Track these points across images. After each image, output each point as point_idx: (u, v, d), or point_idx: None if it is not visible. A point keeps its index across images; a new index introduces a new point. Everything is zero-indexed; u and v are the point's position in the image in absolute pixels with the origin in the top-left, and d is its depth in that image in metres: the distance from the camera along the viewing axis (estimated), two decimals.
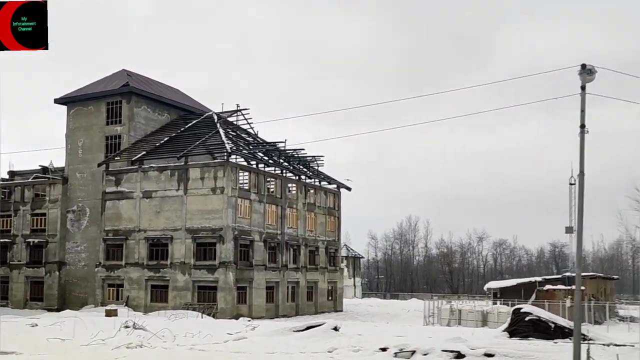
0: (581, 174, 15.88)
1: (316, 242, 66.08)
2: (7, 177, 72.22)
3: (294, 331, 25.14)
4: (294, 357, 19.64)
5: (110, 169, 59.52)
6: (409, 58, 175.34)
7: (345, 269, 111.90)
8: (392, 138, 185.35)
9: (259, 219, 57.26)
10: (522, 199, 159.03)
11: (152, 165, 57.43)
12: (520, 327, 23.50)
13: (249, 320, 42.49)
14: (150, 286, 56.38)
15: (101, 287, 58.35)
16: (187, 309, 51.27)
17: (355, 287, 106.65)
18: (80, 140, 63.40)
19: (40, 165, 68.37)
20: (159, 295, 55.71)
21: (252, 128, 66.34)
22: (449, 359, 18.68)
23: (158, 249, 56.42)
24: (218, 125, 60.55)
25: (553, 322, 24.42)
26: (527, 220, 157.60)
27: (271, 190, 60.11)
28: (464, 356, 18.80)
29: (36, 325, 33.94)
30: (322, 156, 67.09)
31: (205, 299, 53.51)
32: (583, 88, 16.39)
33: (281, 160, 63.32)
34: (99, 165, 60.01)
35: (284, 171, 62.22)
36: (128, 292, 56.81)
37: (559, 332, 23.29)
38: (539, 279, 58.74)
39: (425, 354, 19.24)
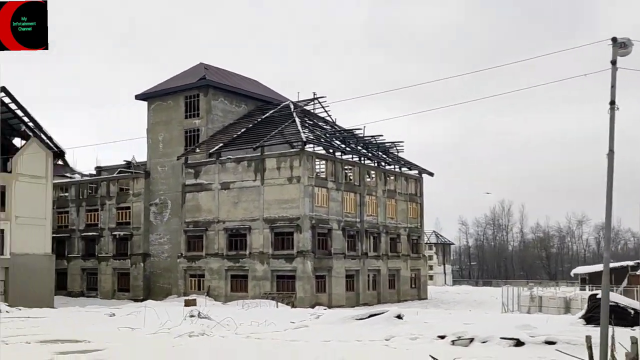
0: (610, 152, 14.64)
1: (397, 230, 64.93)
2: (94, 172, 75.10)
3: (356, 319, 24.47)
4: (347, 345, 18.93)
5: (189, 162, 60.46)
6: (497, 36, 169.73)
7: (435, 256, 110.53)
8: (478, 121, 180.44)
9: (336, 207, 56.73)
10: (626, 182, 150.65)
11: (229, 157, 57.93)
12: (597, 314, 21.67)
13: (324, 309, 42.09)
14: (230, 276, 56.97)
15: (183, 277, 59.45)
16: (266, 298, 51.48)
17: (445, 275, 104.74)
18: (160, 135, 64.72)
19: (124, 161, 70.39)
20: (239, 285, 56.24)
21: (329, 116, 65.94)
22: (507, 346, 17.79)
23: (237, 239, 56.89)
24: (294, 114, 60.33)
25: (633, 309, 22.81)
26: (632, 202, 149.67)
27: (349, 178, 59.40)
28: (523, 344, 17.95)
29: (114, 315, 34.74)
30: (401, 142, 65.98)
31: (284, 288, 53.58)
32: (613, 63, 15.06)
33: (359, 148, 62.48)
34: (177, 158, 61.07)
35: (362, 158, 61.33)
36: (209, 282, 57.61)
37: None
38: (631, 263, 55.44)
39: (483, 342, 18.37)
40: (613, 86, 15.16)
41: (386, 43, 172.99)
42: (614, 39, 15.23)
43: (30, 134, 55.02)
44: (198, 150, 60.80)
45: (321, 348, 18.48)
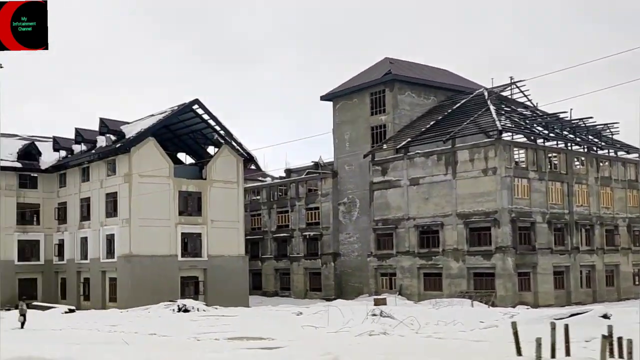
0: None
1: (615, 220, 58.55)
2: (284, 175, 76.33)
3: (555, 319, 21.60)
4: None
5: (376, 159, 58.91)
6: None
7: None
8: None
9: (540, 199, 52.19)
10: None
11: (417, 151, 55.59)
12: None
13: (527, 308, 38.61)
14: (423, 274, 54.57)
15: (374, 276, 57.96)
16: (463, 297, 48.65)
17: None
18: (346, 133, 63.89)
19: (312, 161, 70.63)
20: (432, 284, 53.69)
21: (529, 101, 61.20)
22: None
23: (428, 236, 54.37)
24: (489, 102, 56.65)
25: None
26: None
27: (554, 166, 54.55)
28: None
29: (301, 314, 34.54)
30: (616, 123, 59.52)
31: (481, 286, 50.20)
32: None
33: (564, 133, 57.21)
34: (364, 156, 59.77)
35: (569, 144, 56.00)
36: (400, 280, 55.60)
37: None
38: None
39: None
40: None
41: (595, 14, 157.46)
42: None
43: (222, 141, 56.48)
44: (385, 147, 59.06)
45: (502, 349, 16.01)
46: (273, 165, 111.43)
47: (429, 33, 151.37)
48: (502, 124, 51.95)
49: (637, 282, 59.57)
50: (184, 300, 43.09)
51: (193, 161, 59.67)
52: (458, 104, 60.08)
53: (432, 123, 58.53)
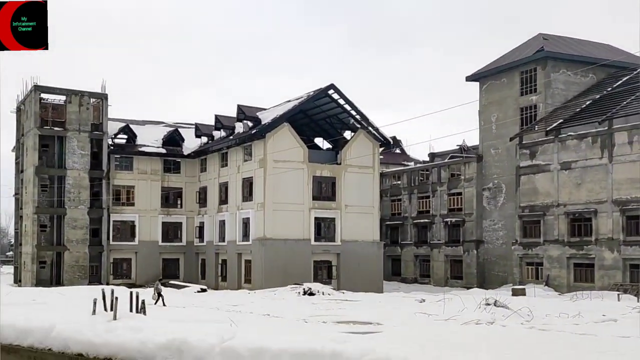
0: None
1: None
2: (427, 159, 73.82)
3: None
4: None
5: (524, 142, 54.89)
6: None
7: None
8: None
9: None
10: None
11: (570, 133, 51.06)
12: None
13: None
14: (573, 264, 50.28)
15: (518, 265, 54.29)
16: (617, 290, 44.18)
17: None
18: (493, 115, 60.20)
19: (457, 145, 67.73)
20: (583, 275, 49.41)
21: None
22: None
23: (580, 224, 49.92)
24: None
25: None
26: None
27: None
28: None
29: (423, 301, 33.21)
30: None
31: (639, 279, 45.27)
32: None
33: None
34: (511, 139, 55.96)
35: None
36: (548, 270, 51.60)
37: None
38: None
39: None
40: None
41: None
42: None
43: (358, 126, 55.12)
44: (536, 129, 54.85)
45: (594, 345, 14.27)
46: (418, 150, 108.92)
47: (594, 6, 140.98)
48: None
49: None
50: (311, 283, 42.47)
51: (330, 146, 58.85)
52: (620, 82, 54.53)
53: (588, 102, 53.66)
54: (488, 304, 25.38)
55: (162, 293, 33.58)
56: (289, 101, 56.11)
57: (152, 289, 35.24)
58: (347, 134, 57.59)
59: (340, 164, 53.66)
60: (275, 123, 51.69)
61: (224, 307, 30.79)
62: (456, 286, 59.87)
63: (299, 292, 39.79)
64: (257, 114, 55.29)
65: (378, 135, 54.87)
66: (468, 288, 55.76)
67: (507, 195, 58.06)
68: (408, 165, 74.71)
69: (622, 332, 18.10)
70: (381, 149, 64.20)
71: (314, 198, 52.61)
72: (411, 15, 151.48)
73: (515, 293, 43.32)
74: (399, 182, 70.94)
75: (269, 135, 51.24)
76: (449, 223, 63.84)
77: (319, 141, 60.61)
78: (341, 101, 53.82)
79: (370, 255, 53.89)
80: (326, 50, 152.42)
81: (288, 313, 26.55)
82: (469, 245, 61.48)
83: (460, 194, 63.08)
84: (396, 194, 70.61)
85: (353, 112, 54.30)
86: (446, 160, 66.26)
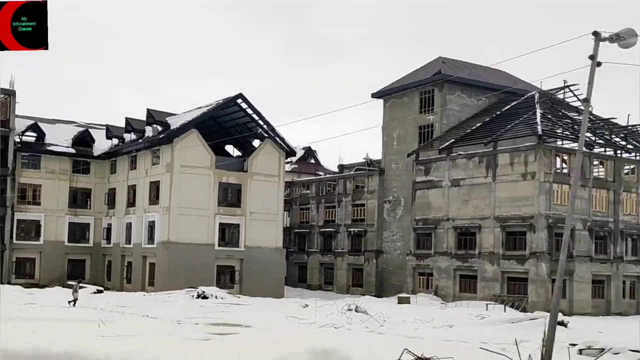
0: None
1: None
2: (337, 170, 76.90)
3: (510, 322, 22.45)
4: (451, 346, 16.94)
5: (420, 159, 58.59)
6: None
7: None
8: None
9: (582, 206, 50.57)
10: None
11: (460, 152, 54.98)
12: None
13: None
14: (459, 276, 54.11)
15: (412, 275, 57.83)
16: (495, 301, 48.15)
17: None
18: (395, 132, 63.75)
19: (363, 158, 70.82)
20: (468, 286, 53.19)
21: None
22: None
23: (466, 238, 53.78)
24: (537, 105, 55.28)
25: None
26: None
27: (600, 173, 52.81)
28: None
29: (307, 306, 35.27)
30: None
31: (514, 291, 49.48)
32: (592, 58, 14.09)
33: (616, 139, 55.16)
34: (408, 155, 59.55)
35: (619, 151, 53.99)
36: (437, 281, 55.25)
37: None
38: None
39: (615, 354, 16.41)
40: (590, 83, 14.60)
41: None
42: (596, 33, 14.16)
43: (266, 135, 57.52)
44: (429, 147, 58.61)
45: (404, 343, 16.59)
46: (330, 161, 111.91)
47: (501, 33, 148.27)
48: (546, 128, 50.73)
49: None
50: (207, 287, 44.33)
51: (240, 153, 61.00)
52: (508, 106, 58.90)
53: (478, 124, 57.69)
54: (349, 310, 28.07)
55: (77, 294, 34.71)
56: (199, 108, 58.00)
57: (71, 290, 36.24)
58: (257, 143, 59.95)
59: (246, 171, 55.90)
60: (183, 129, 53.53)
61: (111, 308, 32.16)
62: (357, 293, 62.80)
63: (193, 296, 41.64)
64: (167, 119, 56.95)
65: (284, 145, 57.37)
66: (368, 295, 58.92)
67: (405, 208, 61.55)
68: (318, 176, 77.59)
69: (443, 335, 20.99)
70: (293, 159, 67.27)
71: (220, 204, 54.62)
72: (343, 30, 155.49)
73: (401, 301, 46.57)
74: (308, 191, 73.71)
75: (177, 140, 53.02)
76: (352, 233, 66.92)
77: (230, 149, 62.72)
78: (249, 110, 56.10)
79: (273, 261, 56.20)
80: (260, 59, 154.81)
81: (169, 315, 28.03)
82: (370, 254, 64.66)
83: (363, 205, 66.27)
84: (305, 202, 73.33)
85: (260, 122, 56.65)
86: (351, 173, 69.46)
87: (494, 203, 51.57)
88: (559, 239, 49.05)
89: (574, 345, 18.75)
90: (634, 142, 55.34)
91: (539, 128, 49.77)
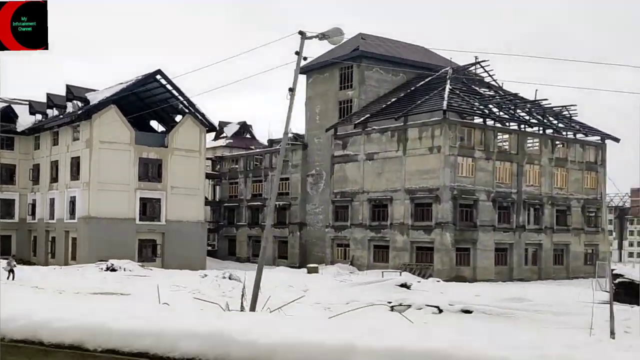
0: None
1: (567, 201, 58.83)
2: (266, 144, 77.99)
3: (364, 284, 24.47)
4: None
5: (338, 134, 60.10)
6: None
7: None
8: None
9: (486, 178, 52.96)
10: None
11: (374, 127, 56.61)
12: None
13: (438, 280, 40.10)
14: (373, 246, 56.12)
15: (330, 246, 59.68)
16: (405, 269, 50.33)
17: (621, 251, 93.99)
18: (317, 107, 65.04)
19: (293, 133, 71.83)
20: (381, 255, 55.24)
21: (495, 81, 61.60)
22: (430, 313, 18.56)
23: (379, 209, 55.70)
24: (448, 81, 57.14)
25: None
26: None
27: (504, 146, 55.07)
28: (442, 311, 18.70)
29: (206, 276, 36.47)
30: (573, 105, 59.60)
31: (422, 260, 51.74)
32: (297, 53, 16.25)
33: (519, 113, 57.45)
34: (326, 130, 61.01)
35: (523, 125, 56.30)
36: (353, 251, 57.19)
37: None
38: None
39: (418, 309, 18.82)
40: (296, 72, 16.26)
41: None
42: (301, 32, 15.82)
43: (187, 111, 58.26)
44: (347, 122, 60.14)
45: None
46: (266, 136, 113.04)
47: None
48: (453, 103, 52.60)
49: (588, 262, 59.81)
50: (118, 260, 45.23)
51: (164, 129, 61.62)
52: (423, 82, 60.60)
53: (393, 100, 59.30)
54: (224, 277, 29.63)
55: (14, 269, 35.58)
56: (120, 84, 58.33)
57: (7, 263, 36.90)
58: (180, 119, 60.63)
59: (167, 147, 56.67)
60: (102, 105, 53.98)
61: (17, 281, 33.12)
62: (282, 265, 64.42)
63: (102, 269, 42.61)
64: (87, 94, 57.18)
65: (204, 121, 58.22)
66: (292, 267, 60.61)
67: (327, 182, 63.08)
68: (251, 149, 78.58)
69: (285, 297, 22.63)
70: (228, 133, 68.05)
71: (140, 179, 55.40)
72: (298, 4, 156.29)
73: (310, 271, 48.30)
74: (237, 166, 74.75)
75: (96, 116, 53.47)
76: (277, 206, 68.20)
77: (156, 125, 63.25)
78: (169, 87, 56.70)
79: (194, 234, 57.31)
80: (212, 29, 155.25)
81: (59, 285, 29.34)
82: (294, 227, 66.24)
83: (288, 179, 67.54)
84: (234, 177, 74.41)
85: (180, 98, 57.35)
86: (277, 147, 70.58)
87: (404, 176, 53.49)
88: (464, 210, 51.56)
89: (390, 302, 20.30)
90: (538, 117, 57.71)
91: (445, 103, 51.64)
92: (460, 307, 18.34)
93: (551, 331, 14.18)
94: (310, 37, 15.55)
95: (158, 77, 56.18)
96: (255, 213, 71.31)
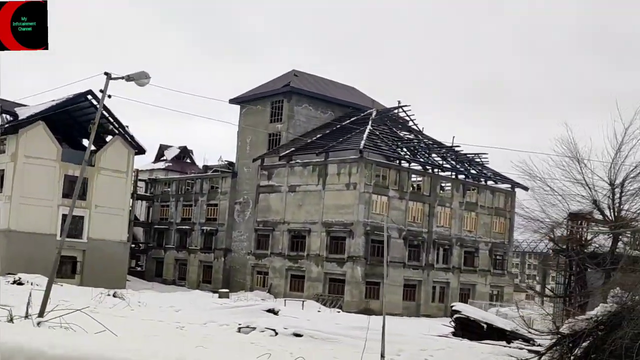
0: None
1: (476, 243, 60.46)
2: (201, 169, 78.08)
3: (236, 307, 25.32)
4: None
5: (264, 164, 60.74)
6: None
7: None
8: None
9: (398, 216, 54.15)
10: None
11: (297, 160, 57.47)
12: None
13: (338, 311, 40.36)
14: (290, 275, 56.59)
15: (251, 273, 59.88)
16: (317, 300, 50.72)
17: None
18: (248, 137, 65.63)
19: (225, 161, 72.27)
20: (297, 285, 55.72)
21: (415, 125, 63.52)
22: (267, 335, 19.16)
23: (298, 240, 56.30)
24: (369, 122, 58.57)
25: (486, 323, 22.30)
26: None
27: (417, 187, 56.51)
28: (277, 333, 19.28)
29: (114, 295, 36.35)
30: (485, 154, 61.65)
31: (334, 291, 52.45)
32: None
33: (436, 158, 59.19)
34: (253, 160, 61.64)
35: (435, 169, 57.94)
36: (271, 279, 57.47)
37: (495, 334, 19.76)
38: None
39: (261, 331, 19.54)
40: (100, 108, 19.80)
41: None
42: (107, 73, 17.11)
43: (116, 132, 58.14)
44: (273, 154, 60.87)
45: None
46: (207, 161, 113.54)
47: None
48: (371, 144, 53.85)
49: (492, 302, 61.28)
50: (27, 275, 44.51)
51: (95, 148, 61.16)
52: (348, 120, 61.90)
53: (319, 135, 60.35)
54: (108, 295, 29.90)
55: None
56: (53, 101, 57.92)
57: None
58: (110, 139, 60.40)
59: (94, 165, 56.30)
60: (30, 120, 53.51)
61: None
62: (206, 289, 64.19)
63: (9, 281, 41.85)
64: (16, 109, 56.55)
65: (133, 143, 58.15)
66: (214, 291, 60.36)
67: (252, 210, 63.53)
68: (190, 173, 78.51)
69: (159, 317, 22.93)
70: (169, 156, 67.69)
71: (64, 196, 54.76)
72: (260, 30, 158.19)
73: (221, 296, 48.31)
74: (169, 189, 74.57)
75: (23, 131, 52.96)
76: (205, 231, 68.26)
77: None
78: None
79: (116, 254, 56.80)
80: (174, 53, 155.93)
81: None
82: (219, 252, 66.22)
83: (217, 205, 67.78)
84: (166, 200, 74.13)
85: (110, 119, 57.26)
86: (207, 174, 70.87)
87: (323, 209, 54.34)
88: (376, 245, 52.44)
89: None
90: (451, 162, 59.45)
91: (362, 143, 52.85)
92: (292, 331, 19.04)
93: (341, 352, 15.50)
94: (116, 79, 16.29)
95: (89, 97, 56.00)
96: (183, 237, 71.04)
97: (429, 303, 55.81)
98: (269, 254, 58.31)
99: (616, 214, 18.68)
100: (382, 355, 12.76)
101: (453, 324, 24.50)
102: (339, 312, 40.88)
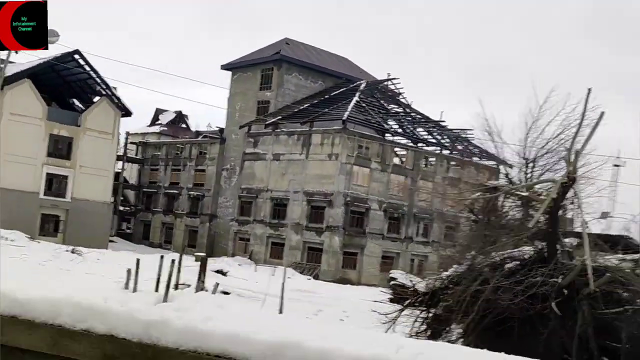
0: None
1: (457, 219, 59.60)
2: (194, 135, 77.39)
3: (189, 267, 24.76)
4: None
5: (251, 132, 59.93)
6: None
7: None
8: None
9: (379, 188, 53.48)
10: None
11: (283, 129, 56.63)
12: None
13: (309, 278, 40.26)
14: (271, 243, 56.10)
15: (233, 239, 59.41)
16: (295, 268, 50.27)
17: None
18: (238, 104, 64.72)
19: (216, 127, 71.50)
20: (277, 252, 55.23)
21: (404, 98, 62.46)
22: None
23: (280, 208, 55.77)
24: (357, 93, 57.54)
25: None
26: None
27: (401, 161, 55.70)
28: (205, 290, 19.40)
29: (80, 255, 36.06)
30: (470, 129, 60.50)
31: (312, 260, 52.07)
32: None
33: (422, 132, 58.28)
34: (240, 127, 60.77)
35: (421, 143, 57.06)
36: (252, 246, 57.04)
37: None
38: None
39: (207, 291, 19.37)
40: None
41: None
42: None
43: (104, 93, 57.29)
44: (260, 122, 60.01)
45: None
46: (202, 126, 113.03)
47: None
48: (356, 115, 52.93)
49: None
50: (5, 230, 44.05)
51: (83, 108, 60.41)
52: (337, 91, 60.91)
53: (306, 105, 59.41)
54: (67, 251, 29.49)
55: None
56: (40, 59, 56.95)
57: None
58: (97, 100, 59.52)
59: (79, 126, 55.59)
60: (15, 77, 52.59)
61: None
62: (190, 253, 63.65)
63: None
64: (1, 65, 55.65)
65: (120, 104, 57.34)
66: (195, 256, 60.00)
67: (239, 177, 62.92)
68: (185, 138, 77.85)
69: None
70: (164, 120, 66.89)
71: (49, 155, 54.18)
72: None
73: (197, 259, 47.69)
74: (159, 153, 73.90)
75: (7, 88, 52.04)
76: (192, 196, 67.72)
77: (76, 103, 61.92)
78: (87, 67, 55.63)
79: (99, 214, 56.16)
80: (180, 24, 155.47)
81: None
82: (205, 218, 65.73)
83: (204, 170, 67.16)
84: (155, 164, 73.49)
85: (98, 80, 56.38)
86: (196, 139, 70.12)
87: (305, 179, 53.61)
88: (355, 216, 51.85)
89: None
90: (437, 137, 58.54)
91: (346, 114, 51.93)
92: (221, 289, 19.73)
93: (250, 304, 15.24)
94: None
95: (76, 56, 55.02)
96: (171, 201, 70.52)
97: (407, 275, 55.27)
98: (252, 221, 57.83)
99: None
100: (280, 311, 12.86)
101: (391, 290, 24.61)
102: (309, 279, 40.40)
